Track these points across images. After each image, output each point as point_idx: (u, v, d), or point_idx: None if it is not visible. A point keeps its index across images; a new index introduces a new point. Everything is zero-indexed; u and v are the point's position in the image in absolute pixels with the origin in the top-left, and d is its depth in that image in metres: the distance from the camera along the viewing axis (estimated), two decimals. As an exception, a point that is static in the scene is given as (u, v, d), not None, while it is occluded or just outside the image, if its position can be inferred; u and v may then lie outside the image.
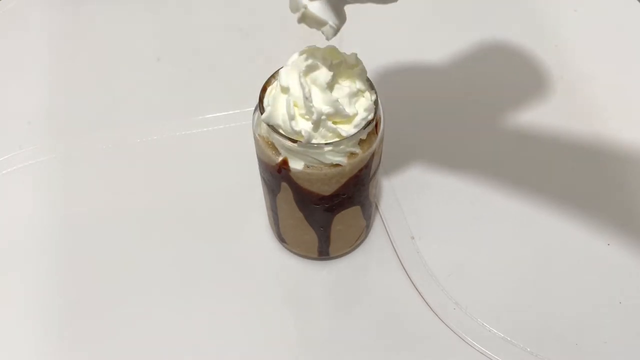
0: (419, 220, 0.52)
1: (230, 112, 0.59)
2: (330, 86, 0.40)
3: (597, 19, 0.67)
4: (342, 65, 0.40)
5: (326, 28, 0.38)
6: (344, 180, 0.42)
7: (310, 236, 0.47)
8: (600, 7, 0.68)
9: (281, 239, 0.50)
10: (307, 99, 0.39)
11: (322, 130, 0.40)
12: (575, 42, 0.63)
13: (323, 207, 0.44)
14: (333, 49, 0.41)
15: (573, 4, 0.68)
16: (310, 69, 0.39)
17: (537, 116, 0.59)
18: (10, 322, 0.47)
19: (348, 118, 0.40)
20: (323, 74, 0.39)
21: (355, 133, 0.40)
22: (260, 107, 0.41)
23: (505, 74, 0.63)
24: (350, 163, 0.41)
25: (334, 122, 0.40)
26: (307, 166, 0.41)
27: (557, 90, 0.61)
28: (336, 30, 0.38)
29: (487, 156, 0.56)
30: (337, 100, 0.39)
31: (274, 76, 0.43)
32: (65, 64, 0.64)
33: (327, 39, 0.38)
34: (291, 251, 0.50)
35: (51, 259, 0.50)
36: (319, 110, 0.39)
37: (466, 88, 0.61)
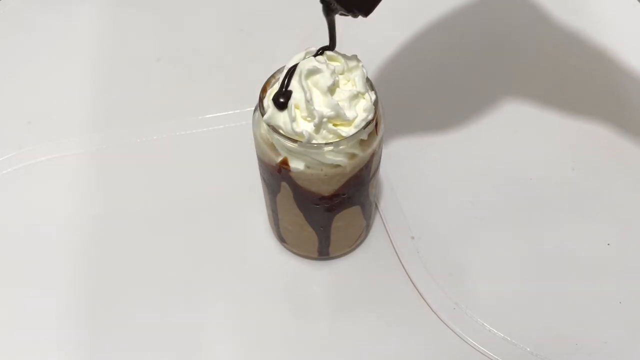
0: (419, 220, 0.52)
1: (230, 112, 0.59)
2: (331, 89, 0.40)
3: (597, 19, 0.67)
4: (342, 67, 0.40)
5: None
6: (344, 181, 0.42)
7: (310, 236, 0.47)
8: (600, 7, 0.68)
9: (281, 239, 0.50)
10: (309, 102, 0.39)
11: (322, 131, 0.40)
12: (575, 42, 0.63)
13: (323, 207, 0.44)
14: (334, 52, 0.41)
15: (573, 4, 0.68)
16: (311, 73, 0.40)
17: (537, 117, 0.59)
18: (10, 323, 0.48)
19: (349, 121, 0.40)
20: (324, 77, 0.39)
21: (356, 133, 0.40)
22: (261, 107, 0.41)
23: (506, 74, 0.63)
24: (351, 163, 0.41)
25: (335, 125, 0.40)
26: (307, 166, 0.41)
27: (558, 90, 0.61)
28: None
29: (487, 156, 0.56)
30: (338, 104, 0.39)
31: (274, 76, 0.43)
32: (65, 63, 0.64)
33: None
34: (291, 251, 0.50)
35: (51, 259, 0.50)
36: (321, 113, 0.39)
37: (467, 88, 0.61)
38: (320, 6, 0.40)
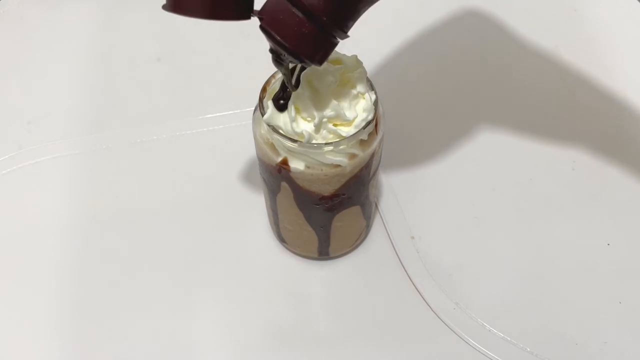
0: (419, 220, 0.52)
1: (230, 112, 0.59)
2: (331, 90, 0.40)
3: (597, 19, 0.67)
4: (342, 68, 0.40)
5: None
6: (344, 181, 0.42)
7: (310, 236, 0.47)
8: (600, 7, 0.68)
9: (281, 239, 0.50)
10: (309, 102, 0.39)
11: (322, 131, 0.40)
12: (575, 42, 0.63)
13: (323, 207, 0.44)
14: (334, 53, 0.41)
15: (573, 4, 0.68)
16: (311, 73, 0.40)
17: (537, 117, 0.59)
18: (9, 322, 0.48)
19: (349, 121, 0.40)
20: (324, 77, 0.39)
21: (356, 133, 0.40)
22: (260, 107, 0.41)
23: (506, 74, 0.63)
24: (351, 163, 0.41)
25: (335, 125, 0.40)
26: (307, 166, 0.41)
27: (558, 91, 0.61)
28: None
29: (487, 156, 0.56)
30: (338, 104, 0.39)
31: (273, 76, 0.43)
32: (65, 64, 0.64)
33: None
34: (291, 251, 0.50)
35: (50, 259, 0.50)
36: (321, 113, 0.39)
37: (467, 88, 0.61)
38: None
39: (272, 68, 0.43)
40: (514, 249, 0.51)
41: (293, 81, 0.39)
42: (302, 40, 0.35)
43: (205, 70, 0.63)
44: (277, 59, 0.38)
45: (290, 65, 0.40)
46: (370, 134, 0.42)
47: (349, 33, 0.37)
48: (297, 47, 0.35)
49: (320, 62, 0.37)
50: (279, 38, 0.35)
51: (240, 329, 0.47)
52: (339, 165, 0.41)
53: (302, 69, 0.40)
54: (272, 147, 0.42)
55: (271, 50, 0.37)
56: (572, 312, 0.47)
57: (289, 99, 0.40)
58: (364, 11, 0.36)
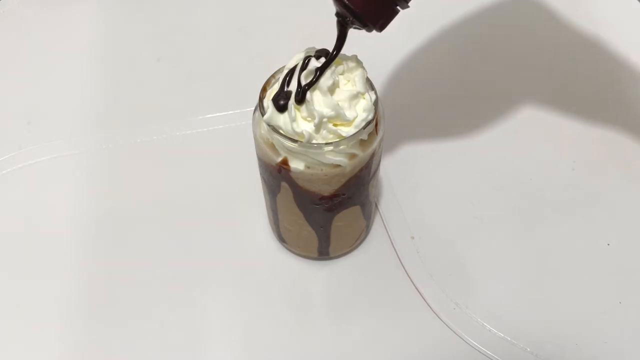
0: (419, 220, 0.52)
1: (230, 112, 0.59)
2: (331, 90, 0.40)
3: (597, 19, 0.67)
4: (342, 68, 0.40)
5: None
6: (344, 181, 0.42)
7: (310, 236, 0.47)
8: (600, 7, 0.68)
9: (281, 239, 0.50)
10: (309, 102, 0.39)
11: (322, 131, 0.40)
12: (575, 42, 0.63)
13: (323, 207, 0.44)
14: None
15: (573, 4, 0.68)
16: (311, 73, 0.40)
17: (537, 117, 0.59)
18: (11, 322, 0.48)
19: (349, 121, 0.40)
20: (324, 77, 0.39)
21: (356, 133, 0.40)
22: (261, 107, 0.41)
23: (506, 74, 0.63)
24: (351, 163, 0.41)
25: (335, 125, 0.40)
26: (307, 166, 0.41)
27: (557, 91, 0.61)
28: None
29: (487, 156, 0.56)
30: (338, 104, 0.39)
31: (274, 76, 0.43)
32: (64, 63, 0.64)
33: None
34: (291, 251, 0.50)
35: (51, 259, 0.50)
36: (321, 113, 0.39)
37: (466, 88, 0.61)
38: (322, 10, 0.40)
39: (272, 68, 0.43)
40: (514, 249, 0.51)
41: (299, 96, 0.40)
42: (368, 5, 0.39)
43: (205, 70, 0.63)
44: (342, 23, 0.40)
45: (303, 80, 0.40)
46: (370, 134, 0.42)
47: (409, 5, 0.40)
48: (363, 11, 0.39)
49: (381, 28, 0.40)
50: (346, 2, 0.38)
51: (240, 329, 0.47)
52: (339, 165, 0.41)
53: (310, 83, 0.40)
54: (272, 147, 0.42)
55: (337, 14, 0.40)
56: (572, 312, 0.47)
57: (289, 99, 0.40)
58: None
